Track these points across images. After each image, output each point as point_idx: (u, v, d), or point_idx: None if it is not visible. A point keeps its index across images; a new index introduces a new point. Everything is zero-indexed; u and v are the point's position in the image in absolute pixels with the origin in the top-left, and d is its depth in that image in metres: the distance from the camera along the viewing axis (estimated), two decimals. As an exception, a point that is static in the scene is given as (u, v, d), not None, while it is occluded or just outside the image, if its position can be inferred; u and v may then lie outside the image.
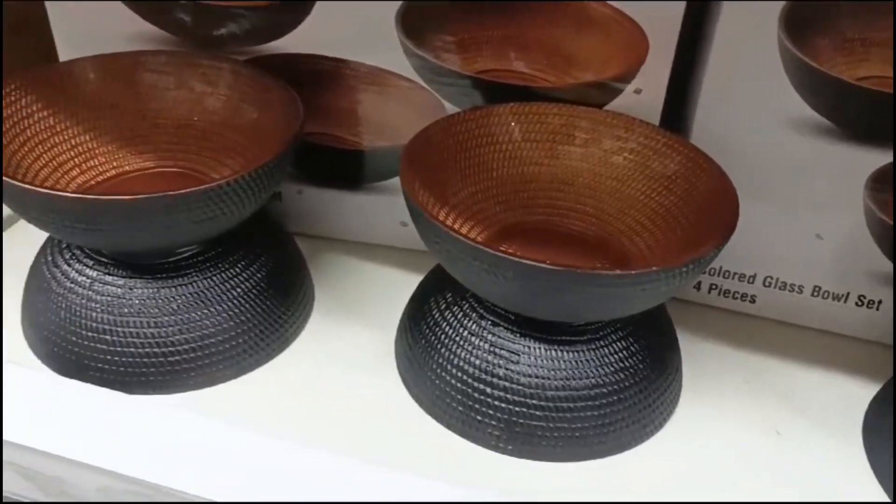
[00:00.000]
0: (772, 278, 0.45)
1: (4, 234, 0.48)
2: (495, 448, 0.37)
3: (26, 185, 0.33)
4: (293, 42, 0.43)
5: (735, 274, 0.45)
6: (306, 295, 0.44)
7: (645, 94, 0.41)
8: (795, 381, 0.43)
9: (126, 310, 0.38)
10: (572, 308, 0.34)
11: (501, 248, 0.38)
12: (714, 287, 0.46)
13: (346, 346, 0.43)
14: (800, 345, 0.45)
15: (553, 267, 0.31)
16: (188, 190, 0.34)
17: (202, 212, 0.35)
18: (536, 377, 0.36)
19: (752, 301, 0.46)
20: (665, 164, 0.39)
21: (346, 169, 0.47)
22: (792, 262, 0.44)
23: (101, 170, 0.43)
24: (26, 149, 0.40)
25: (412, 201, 0.34)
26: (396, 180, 0.46)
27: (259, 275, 0.41)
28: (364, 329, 0.44)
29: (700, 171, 0.38)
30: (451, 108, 0.43)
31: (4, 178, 0.33)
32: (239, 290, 0.40)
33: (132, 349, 0.38)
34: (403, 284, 0.45)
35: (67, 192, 0.39)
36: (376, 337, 0.43)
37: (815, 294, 0.45)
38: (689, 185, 0.38)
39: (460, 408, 0.37)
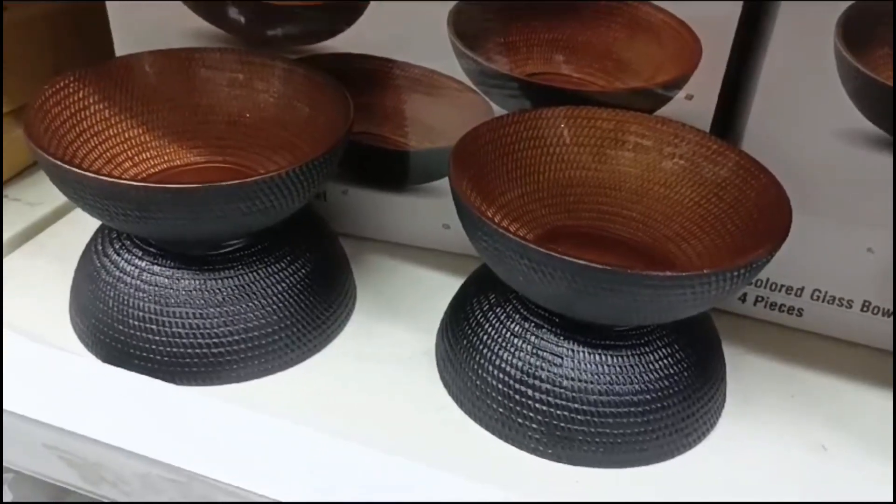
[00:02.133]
0: (820, 292, 0.44)
1: (59, 223, 0.49)
2: (535, 451, 0.37)
3: (84, 171, 0.34)
4: (345, 42, 0.43)
5: (782, 286, 0.44)
6: (349, 293, 0.44)
7: (697, 99, 0.41)
8: (843, 398, 0.42)
9: (172, 300, 0.39)
10: (619, 310, 0.33)
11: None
12: (760, 299, 0.45)
13: (387, 345, 0.43)
14: (848, 361, 0.44)
15: (602, 266, 0.30)
16: (238, 181, 0.34)
17: (252, 203, 0.35)
18: (579, 381, 0.36)
19: (800, 314, 0.45)
20: (715, 171, 0.39)
21: (392, 170, 0.47)
22: (841, 276, 0.43)
23: (152, 163, 0.43)
24: (81, 140, 0.41)
25: (460, 198, 0.34)
26: (441, 183, 0.47)
27: (303, 271, 0.41)
28: (405, 329, 0.44)
29: (752, 178, 0.37)
30: (499, 111, 0.43)
31: (63, 164, 0.34)
32: (283, 284, 0.40)
33: (177, 339, 0.39)
34: (445, 287, 0.45)
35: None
36: (417, 337, 0.43)
37: (865, 309, 0.44)
38: (739, 192, 0.38)
39: (500, 409, 0.37)
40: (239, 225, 0.37)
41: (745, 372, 0.43)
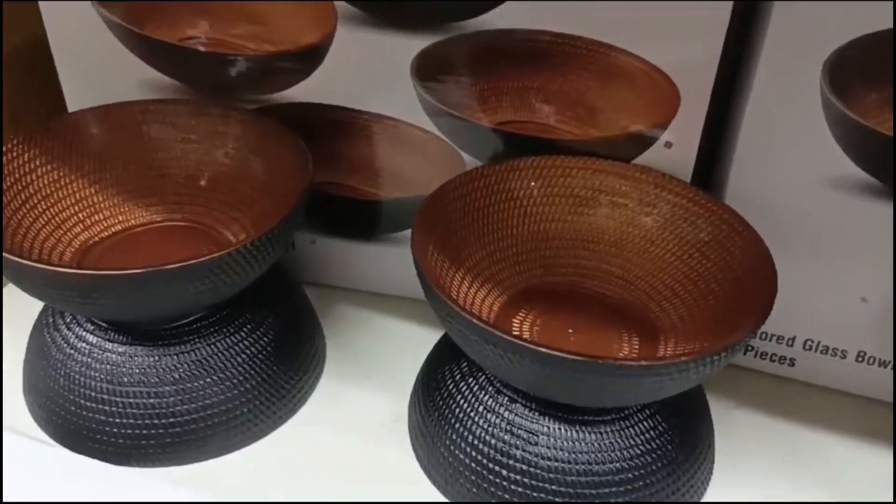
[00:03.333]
0: (812, 341, 0.42)
1: (5, 290, 0.47)
2: (512, 533, 0.35)
3: (14, 258, 0.31)
4: (306, 90, 0.41)
5: (773, 336, 0.42)
6: (316, 356, 0.42)
7: (676, 147, 0.38)
8: (838, 456, 0.40)
9: (126, 379, 0.36)
10: (595, 396, 0.31)
11: (523, 311, 0.36)
12: (751, 348, 0.43)
13: (358, 412, 0.41)
14: (843, 413, 0.42)
15: (571, 356, 0.28)
16: (184, 263, 0.32)
17: (202, 283, 0.33)
18: (556, 460, 0.34)
19: (792, 364, 0.43)
20: (698, 228, 0.37)
21: (362, 220, 0.45)
22: (835, 326, 0.41)
23: (105, 224, 0.41)
24: (28, 206, 0.39)
25: (423, 273, 0.32)
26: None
27: (266, 338, 0.39)
28: (377, 392, 0.42)
29: (736, 235, 0.35)
30: (469, 159, 0.41)
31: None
32: (244, 355, 0.38)
33: (132, 420, 0.36)
34: (419, 340, 0.43)
35: (64, 259, 0.38)
36: (389, 401, 0.41)
37: (860, 360, 0.41)
38: (723, 250, 0.36)
39: (474, 489, 0.35)
40: (191, 304, 0.35)
41: (733, 428, 0.41)
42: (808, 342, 0.42)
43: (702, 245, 0.37)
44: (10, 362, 0.41)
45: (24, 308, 0.41)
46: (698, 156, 0.39)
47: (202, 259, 0.32)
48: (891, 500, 0.33)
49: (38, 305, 0.41)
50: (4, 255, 0.32)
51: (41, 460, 0.37)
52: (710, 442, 0.38)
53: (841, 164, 0.36)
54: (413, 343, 0.44)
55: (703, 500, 0.37)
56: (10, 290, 0.46)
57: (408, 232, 0.45)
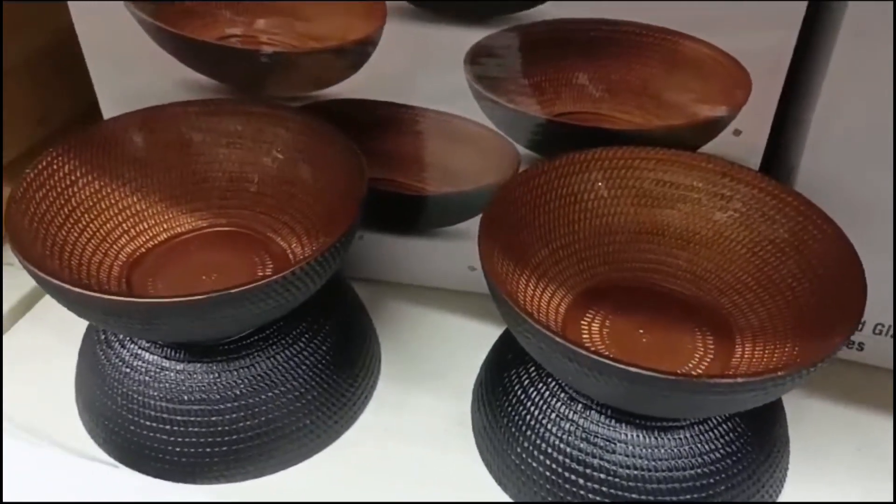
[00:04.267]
0: (882, 325, 0.41)
1: (43, 301, 0.46)
2: (590, 541, 0.34)
3: (73, 288, 0.30)
4: (353, 87, 0.39)
5: (842, 322, 0.41)
6: (373, 360, 0.41)
7: (745, 135, 0.37)
8: (914, 445, 0.39)
9: (186, 397, 0.36)
10: (683, 411, 0.30)
11: (591, 312, 0.35)
12: (817, 335, 0.42)
13: (418, 418, 0.40)
14: (914, 398, 0.41)
15: (664, 375, 0.27)
16: (249, 286, 0.30)
17: (266, 302, 0.32)
18: (636, 468, 0.33)
19: (860, 349, 0.42)
20: (774, 222, 0.35)
21: (411, 215, 0.44)
22: (905, 310, 0.40)
23: (151, 234, 0.40)
24: (71, 221, 0.37)
25: (494, 285, 0.31)
26: (464, 226, 0.43)
27: (325, 346, 0.38)
28: (436, 394, 0.41)
29: (817, 231, 0.34)
30: (527, 155, 0.40)
31: (48, 278, 0.31)
32: (304, 367, 0.37)
33: (194, 438, 0.36)
34: (475, 335, 0.43)
35: (112, 274, 0.37)
36: (450, 404, 0.40)
37: (931, 343, 0.40)
38: (803, 247, 0.34)
39: (550, 498, 0.34)
40: (255, 322, 0.33)
41: (805, 420, 0.40)
42: (878, 326, 0.41)
43: (779, 241, 0.35)
44: (58, 377, 0.40)
45: (66, 321, 0.41)
46: (768, 143, 0.37)
47: (268, 280, 0.31)
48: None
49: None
50: (62, 284, 0.30)
51: (103, 481, 0.36)
52: (786, 440, 0.37)
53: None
54: (468, 339, 0.43)
55: (780, 499, 0.36)
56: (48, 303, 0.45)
57: (460, 226, 0.43)
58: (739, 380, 0.27)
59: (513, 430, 0.36)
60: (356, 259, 0.46)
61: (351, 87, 0.39)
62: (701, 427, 0.34)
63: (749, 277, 0.36)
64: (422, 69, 0.38)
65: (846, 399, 0.41)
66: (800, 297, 0.34)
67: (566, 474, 0.34)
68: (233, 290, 0.30)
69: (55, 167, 0.37)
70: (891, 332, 0.41)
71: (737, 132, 0.37)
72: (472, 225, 0.42)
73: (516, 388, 0.36)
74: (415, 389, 0.41)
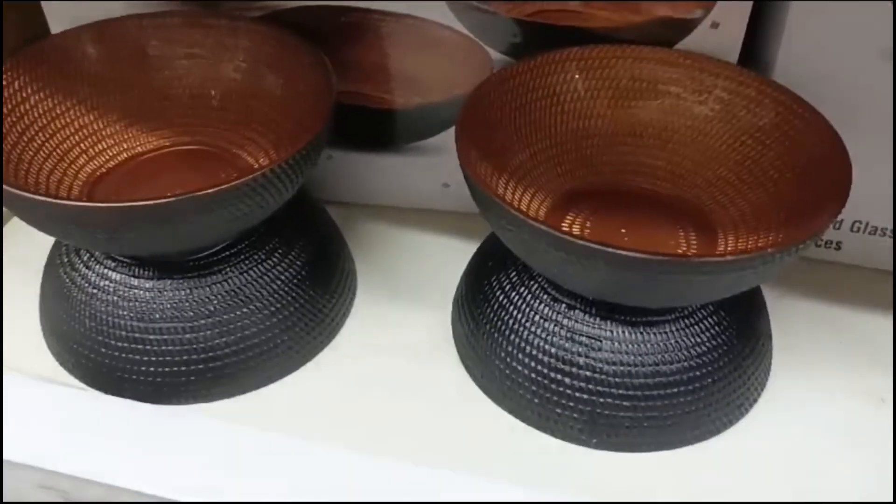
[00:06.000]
0: (860, 223, 0.41)
1: (6, 227, 0.44)
2: (577, 441, 0.34)
3: (27, 194, 0.29)
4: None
5: (819, 220, 0.41)
6: (349, 277, 0.40)
7: (723, 27, 0.36)
8: (889, 334, 0.39)
9: (157, 315, 0.34)
10: (669, 296, 0.29)
11: (571, 214, 0.34)
12: (795, 236, 0.42)
13: (398, 332, 0.39)
14: (890, 293, 0.41)
15: (655, 256, 0.26)
16: (219, 188, 0.29)
17: (243, 205, 0.30)
18: (622, 364, 0.33)
19: (838, 248, 0.42)
20: (754, 114, 0.35)
21: (380, 130, 0.43)
22: (881, 204, 0.40)
23: (110, 154, 0.38)
24: (26, 139, 0.35)
25: (475, 183, 0.30)
26: (436, 140, 0.42)
27: (299, 262, 0.37)
28: (415, 309, 0.40)
29: (797, 120, 0.33)
30: (497, 57, 0.38)
31: (5, 186, 0.29)
32: (279, 282, 0.36)
33: (168, 358, 0.34)
34: (452, 253, 0.42)
35: (73, 194, 0.35)
36: (429, 316, 0.39)
37: (910, 237, 0.40)
38: (783, 137, 0.34)
39: (536, 400, 0.34)
40: (223, 232, 0.32)
41: (787, 318, 0.40)
42: (857, 224, 0.41)
43: (759, 133, 0.34)
44: (19, 304, 0.39)
45: (27, 244, 0.39)
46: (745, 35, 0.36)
47: (237, 182, 0.29)
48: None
49: (43, 241, 0.38)
50: (15, 191, 0.29)
51: (75, 406, 0.35)
52: (769, 332, 0.37)
53: (898, 33, 0.34)
54: (444, 256, 0.42)
55: (766, 391, 0.36)
56: (13, 227, 0.44)
57: (430, 141, 0.42)
58: (728, 258, 0.26)
59: (495, 335, 0.35)
60: (327, 181, 0.45)
61: (314, -7, 0.38)
62: (686, 321, 0.33)
63: (730, 173, 0.35)
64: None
65: (826, 297, 0.41)
66: (782, 187, 0.33)
67: (551, 374, 0.33)
68: (200, 193, 0.29)
69: (5, 83, 0.35)
70: (868, 229, 0.41)
71: (714, 25, 0.36)
72: (445, 139, 0.41)
73: (497, 293, 0.36)
74: (393, 306, 0.40)
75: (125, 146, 0.38)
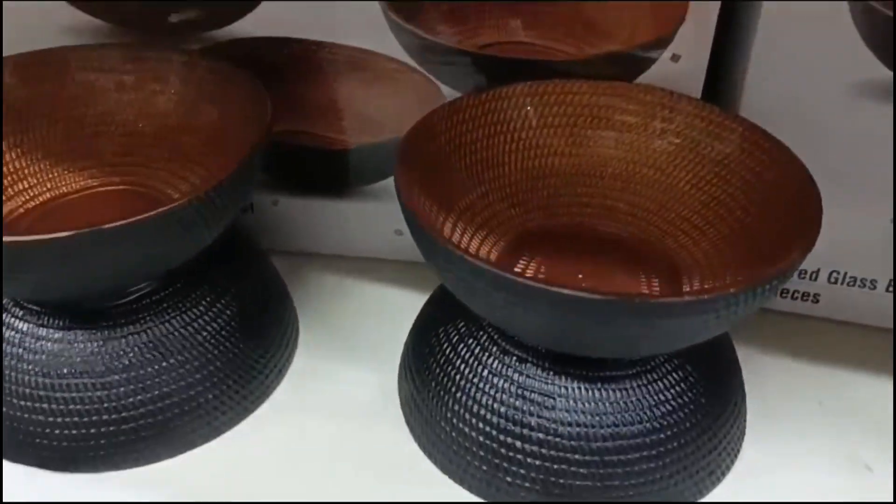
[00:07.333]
0: (839, 273, 0.38)
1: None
2: (531, 511, 0.30)
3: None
4: (255, 24, 0.35)
5: (795, 270, 0.38)
6: (288, 329, 0.37)
7: (684, 60, 0.34)
8: (878, 399, 0.36)
9: (66, 370, 0.31)
10: (625, 345, 0.26)
11: (524, 259, 0.32)
12: (770, 287, 0.39)
13: (339, 390, 0.35)
14: (876, 351, 0.38)
15: (604, 297, 0.23)
16: (126, 221, 0.26)
17: (154, 243, 0.28)
18: (578, 425, 0.29)
19: (816, 301, 0.39)
20: (715, 150, 0.32)
21: (328, 172, 0.40)
22: (863, 254, 0.37)
23: (32, 193, 0.35)
24: (-67, 175, 0.33)
25: (412, 215, 0.27)
26: (387, 183, 0.39)
27: (229, 311, 0.34)
28: (359, 366, 0.37)
29: (763, 154, 0.31)
30: (450, 93, 0.36)
31: None
32: (205, 333, 0.33)
33: (76, 418, 0.31)
34: (403, 306, 0.38)
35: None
36: (374, 375, 0.36)
37: (891, 289, 0.38)
38: (748, 172, 0.31)
39: (484, 466, 0.30)
40: (137, 274, 0.29)
41: (762, 376, 0.36)
42: (834, 274, 0.38)
43: (724, 172, 0.32)
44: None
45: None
46: (708, 69, 0.34)
47: (145, 216, 0.26)
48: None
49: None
50: None
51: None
52: (742, 392, 0.34)
53: (870, 68, 0.32)
54: (396, 310, 0.39)
55: (739, 458, 0.33)
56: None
57: (382, 184, 0.40)
58: (687, 298, 0.23)
59: (441, 393, 0.32)
60: (272, 229, 0.42)
61: (252, 25, 0.35)
62: (649, 377, 0.30)
63: (694, 213, 0.33)
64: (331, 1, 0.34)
65: (804, 354, 0.38)
66: (749, 227, 0.31)
67: (501, 437, 0.30)
68: (107, 227, 0.26)
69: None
70: (847, 279, 0.38)
71: (675, 57, 0.34)
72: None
73: (444, 346, 0.32)
74: (336, 361, 0.37)
75: (48, 186, 0.36)
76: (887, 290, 0.38)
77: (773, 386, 0.36)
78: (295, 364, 0.37)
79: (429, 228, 0.26)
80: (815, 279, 0.38)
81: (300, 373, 0.36)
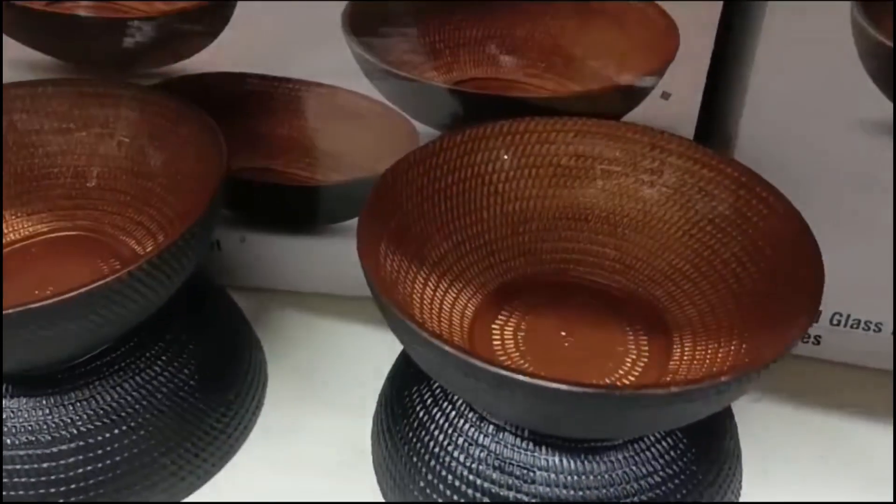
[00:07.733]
0: (841, 315, 0.36)
1: None
2: (510, 590, 0.28)
3: None
4: (213, 58, 0.33)
5: (795, 312, 0.36)
6: (254, 381, 0.35)
7: (676, 98, 0.31)
8: (885, 448, 0.34)
9: (10, 440, 0.29)
10: (610, 430, 0.24)
11: (504, 313, 0.29)
12: (768, 328, 0.37)
13: (309, 449, 0.33)
14: (881, 396, 0.36)
15: (583, 390, 0.21)
16: (70, 295, 0.24)
17: (105, 312, 0.25)
18: (559, 500, 0.27)
19: (817, 342, 0.37)
20: (712, 197, 0.30)
21: (297, 210, 0.38)
22: (865, 295, 0.35)
23: (-26, 241, 0.33)
24: None
25: (375, 286, 0.25)
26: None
27: (188, 368, 0.32)
28: (331, 417, 0.35)
29: (762, 205, 0.28)
30: (422, 129, 0.34)
31: None
32: (160, 394, 0.31)
33: (21, 491, 0.29)
34: (378, 348, 0.36)
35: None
36: (347, 431, 0.34)
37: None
38: (747, 224, 0.29)
39: (461, 541, 0.28)
40: (87, 342, 0.27)
41: (758, 425, 0.34)
42: (837, 316, 0.36)
43: (718, 219, 0.30)
44: None
45: None
46: (701, 106, 0.32)
47: (90, 287, 0.24)
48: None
49: None
50: None
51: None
52: (737, 454, 0.32)
53: (877, 105, 0.30)
54: (370, 352, 0.37)
55: (736, 523, 0.31)
56: None
57: (352, 222, 0.37)
58: (674, 389, 0.21)
59: (414, 459, 0.30)
60: (239, 265, 0.40)
61: (212, 59, 0.33)
62: (636, 447, 0.28)
63: (686, 264, 0.30)
64: (294, 33, 0.32)
65: (803, 401, 0.36)
66: (745, 283, 0.28)
67: (478, 511, 0.28)
68: (34, 306, 0.23)
69: None
70: (850, 322, 0.36)
71: (665, 95, 0.31)
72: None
73: (418, 408, 0.30)
74: (306, 414, 0.35)
75: (-6, 232, 0.33)
76: (893, 334, 0.36)
77: (771, 437, 0.34)
78: (262, 419, 0.35)
79: (392, 300, 0.24)
80: (817, 321, 0.36)
81: (266, 429, 0.34)
